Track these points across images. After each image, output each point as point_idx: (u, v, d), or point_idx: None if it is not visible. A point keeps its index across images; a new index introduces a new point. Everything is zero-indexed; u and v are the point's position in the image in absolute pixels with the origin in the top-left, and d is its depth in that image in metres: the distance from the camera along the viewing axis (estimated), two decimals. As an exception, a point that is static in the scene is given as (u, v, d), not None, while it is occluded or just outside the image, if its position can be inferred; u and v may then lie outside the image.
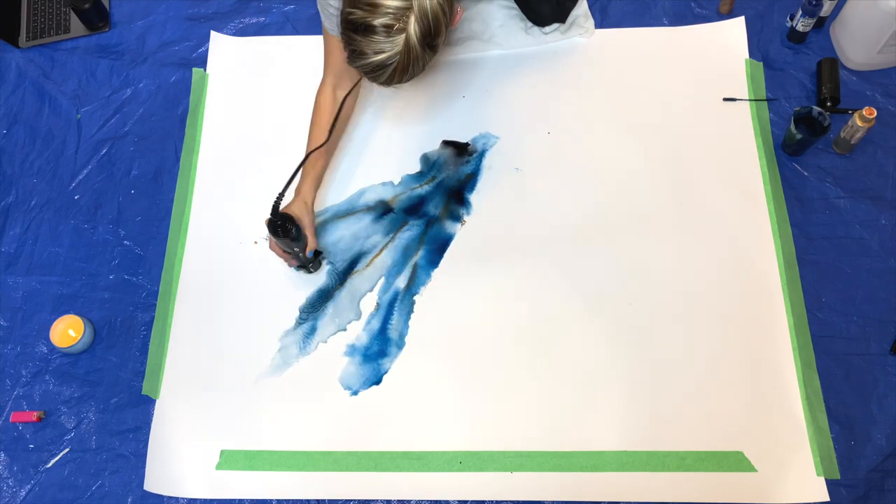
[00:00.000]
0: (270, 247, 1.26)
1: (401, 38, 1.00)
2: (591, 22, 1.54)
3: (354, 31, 1.01)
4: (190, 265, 1.37)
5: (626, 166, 1.41)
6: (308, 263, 1.31)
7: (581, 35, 1.53)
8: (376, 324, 1.30)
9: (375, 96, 1.50)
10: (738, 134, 1.43)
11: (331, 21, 1.21)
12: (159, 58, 1.58)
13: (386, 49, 1.01)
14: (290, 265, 1.31)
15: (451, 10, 1.05)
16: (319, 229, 1.38)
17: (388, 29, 0.99)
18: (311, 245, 1.25)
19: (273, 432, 1.23)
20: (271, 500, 1.20)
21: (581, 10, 1.52)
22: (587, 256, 1.33)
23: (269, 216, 1.18)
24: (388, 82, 1.07)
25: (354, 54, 1.04)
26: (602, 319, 1.28)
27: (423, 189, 1.41)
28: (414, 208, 1.39)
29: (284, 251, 1.25)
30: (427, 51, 1.04)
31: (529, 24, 1.52)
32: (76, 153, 1.49)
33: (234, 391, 1.26)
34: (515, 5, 1.53)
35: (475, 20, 1.53)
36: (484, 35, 1.52)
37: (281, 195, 1.17)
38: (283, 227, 1.17)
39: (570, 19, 1.51)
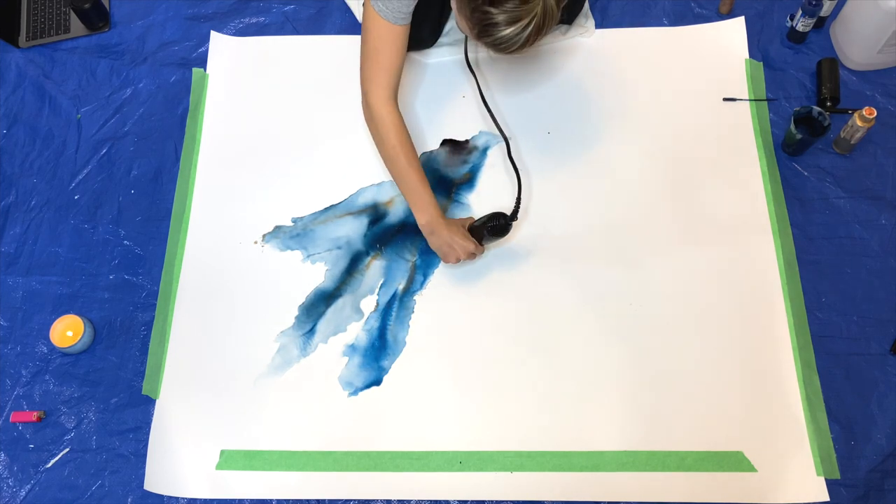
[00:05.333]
0: (474, 252, 1.26)
1: (539, 1, 0.96)
2: (592, 22, 1.54)
3: (491, 4, 0.97)
4: (190, 265, 1.37)
5: (626, 166, 1.41)
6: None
7: (581, 35, 1.53)
8: (376, 324, 1.30)
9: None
10: (738, 134, 1.43)
11: (392, 7, 1.12)
12: (159, 58, 1.58)
13: (522, 16, 0.97)
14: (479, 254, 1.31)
15: None
16: (319, 229, 1.38)
17: None
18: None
19: (273, 432, 1.23)
20: (271, 500, 1.20)
21: (581, 10, 1.52)
22: (587, 256, 1.33)
23: (510, 221, 1.24)
24: (519, 49, 1.03)
25: (488, 28, 0.99)
26: (602, 319, 1.28)
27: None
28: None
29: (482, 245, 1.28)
30: (560, 3, 1.00)
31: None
32: (76, 153, 1.49)
33: (234, 391, 1.26)
34: (515, 5, 1.53)
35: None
36: (484, 35, 1.52)
37: (518, 206, 1.25)
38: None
39: (570, 19, 1.52)
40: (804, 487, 1.16)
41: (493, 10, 0.97)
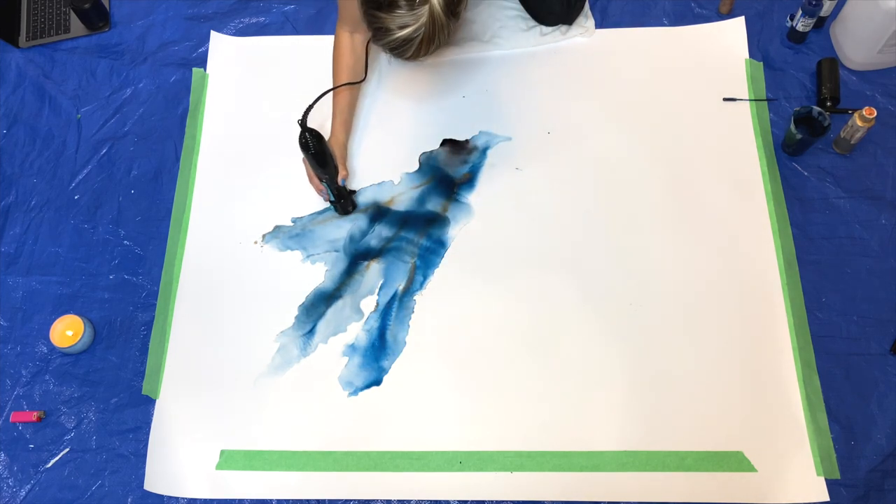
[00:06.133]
0: (308, 175, 1.33)
1: (425, 10, 1.00)
2: (592, 22, 1.54)
3: (378, 9, 1.01)
4: (190, 265, 1.37)
5: (626, 166, 1.41)
6: (340, 197, 1.35)
7: (581, 35, 1.53)
8: (376, 324, 1.30)
9: (375, 96, 1.50)
10: (738, 134, 1.43)
11: None
12: (159, 58, 1.58)
13: (410, 23, 1.01)
14: (323, 197, 1.37)
15: None
16: (320, 229, 1.38)
17: (412, 2, 0.99)
18: (341, 174, 1.33)
19: (273, 432, 1.23)
20: (271, 500, 1.20)
21: (581, 10, 1.52)
22: (587, 256, 1.33)
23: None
24: (414, 56, 1.07)
25: (379, 32, 1.03)
26: (602, 319, 1.28)
27: (423, 188, 1.41)
28: (412, 211, 1.39)
29: (315, 175, 1.32)
30: (451, 19, 1.03)
31: (530, 24, 1.53)
32: (76, 153, 1.49)
33: (234, 391, 1.26)
34: (516, 6, 1.53)
35: (476, 21, 1.53)
36: (484, 36, 1.52)
37: (309, 108, 1.22)
38: (308, 143, 1.24)
39: (569, 19, 1.52)
40: (804, 487, 1.16)
41: (381, 14, 1.02)
